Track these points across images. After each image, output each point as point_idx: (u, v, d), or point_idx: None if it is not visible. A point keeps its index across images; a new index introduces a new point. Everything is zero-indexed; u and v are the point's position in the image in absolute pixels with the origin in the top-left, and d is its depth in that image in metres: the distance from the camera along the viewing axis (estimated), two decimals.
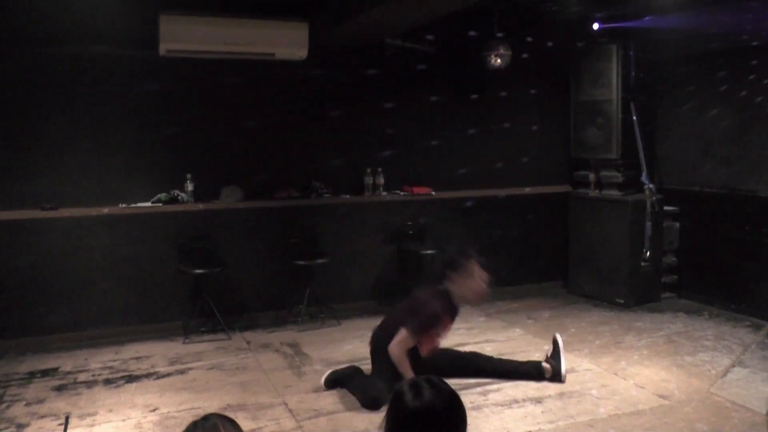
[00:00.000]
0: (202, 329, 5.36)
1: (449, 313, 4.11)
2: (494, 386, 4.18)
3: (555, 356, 4.31)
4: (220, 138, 5.51)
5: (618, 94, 5.87)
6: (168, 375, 4.49)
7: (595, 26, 6.00)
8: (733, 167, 5.66)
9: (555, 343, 4.35)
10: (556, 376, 4.23)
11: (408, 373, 3.88)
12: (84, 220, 5.16)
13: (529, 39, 6.19)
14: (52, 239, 5.09)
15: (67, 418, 3.75)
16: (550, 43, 6.32)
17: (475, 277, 4.06)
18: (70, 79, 5.08)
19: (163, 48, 4.83)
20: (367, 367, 4.55)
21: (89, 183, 5.18)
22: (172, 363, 4.71)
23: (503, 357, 4.64)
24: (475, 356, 4.43)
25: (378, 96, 5.91)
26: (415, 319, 3.98)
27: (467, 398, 3.96)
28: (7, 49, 4.90)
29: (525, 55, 6.14)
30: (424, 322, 4.00)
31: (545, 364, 4.29)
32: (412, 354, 4.02)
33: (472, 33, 6.01)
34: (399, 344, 3.96)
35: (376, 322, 4.38)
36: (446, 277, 4.11)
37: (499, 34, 5.78)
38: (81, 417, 3.82)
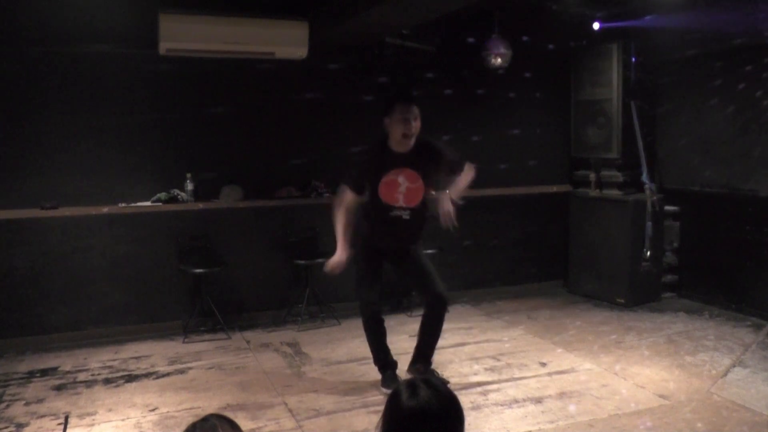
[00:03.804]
0: (202, 329, 5.36)
1: (377, 159, 3.98)
2: (494, 386, 4.17)
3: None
4: (219, 137, 5.50)
5: (618, 94, 5.86)
6: (167, 374, 4.48)
7: (596, 26, 6.00)
8: (734, 167, 5.65)
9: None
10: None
11: (337, 224, 4.09)
12: (84, 219, 5.16)
13: (529, 38, 6.18)
14: (52, 238, 5.09)
15: (66, 418, 3.75)
16: (550, 43, 6.31)
17: (396, 116, 3.85)
18: (71, 78, 5.07)
19: (163, 47, 4.82)
20: (367, 366, 4.54)
21: (89, 182, 5.18)
22: (171, 362, 4.71)
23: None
24: (427, 290, 4.10)
25: (378, 95, 5.89)
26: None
27: (467, 398, 3.96)
28: (7, 48, 4.89)
29: (525, 55, 6.12)
30: (352, 171, 4.07)
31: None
32: (376, 204, 4.00)
33: (472, 32, 6.00)
34: (336, 198, 4.09)
35: None
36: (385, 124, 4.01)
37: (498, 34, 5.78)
38: (80, 416, 3.82)
